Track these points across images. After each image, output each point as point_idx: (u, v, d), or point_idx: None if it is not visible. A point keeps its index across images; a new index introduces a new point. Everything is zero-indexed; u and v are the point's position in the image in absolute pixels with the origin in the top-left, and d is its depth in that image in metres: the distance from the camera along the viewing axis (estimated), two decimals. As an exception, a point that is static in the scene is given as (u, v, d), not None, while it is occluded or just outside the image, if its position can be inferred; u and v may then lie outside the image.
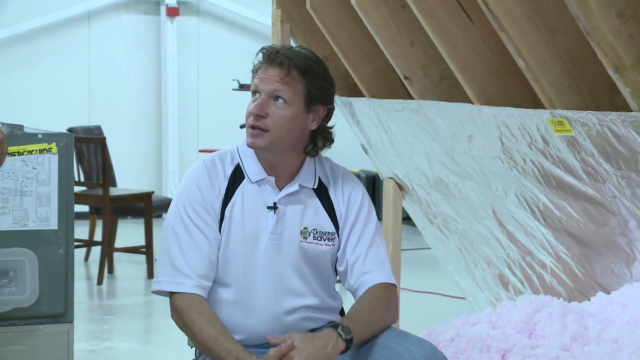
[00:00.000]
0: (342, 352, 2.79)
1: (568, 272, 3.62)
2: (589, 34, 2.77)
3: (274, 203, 2.98)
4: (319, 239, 3.01)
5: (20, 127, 3.27)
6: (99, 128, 9.15)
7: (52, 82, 11.12)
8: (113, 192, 8.01)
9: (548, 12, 3.06)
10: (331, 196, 3.05)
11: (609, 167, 3.03)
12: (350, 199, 3.06)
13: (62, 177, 3.17)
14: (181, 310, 2.90)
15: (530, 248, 3.73)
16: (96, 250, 8.44)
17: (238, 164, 3.02)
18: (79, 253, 8.67)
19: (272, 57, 2.95)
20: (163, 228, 3.02)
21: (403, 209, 4.41)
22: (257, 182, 3.00)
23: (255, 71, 2.99)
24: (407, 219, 4.41)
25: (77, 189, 8.03)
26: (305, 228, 3.00)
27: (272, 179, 2.99)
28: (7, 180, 3.12)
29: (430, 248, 4.60)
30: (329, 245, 3.02)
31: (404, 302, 4.48)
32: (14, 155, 3.10)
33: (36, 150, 3.12)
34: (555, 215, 3.45)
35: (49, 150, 3.13)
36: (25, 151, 3.12)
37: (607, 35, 2.75)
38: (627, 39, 2.77)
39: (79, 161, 8.07)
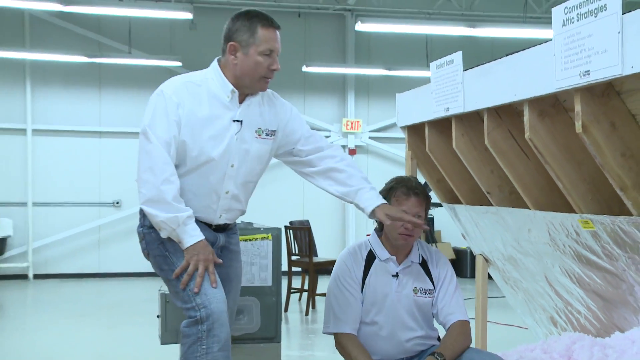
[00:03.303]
0: None
1: (595, 317, 3.37)
2: (602, 167, 2.62)
3: (397, 273, 2.93)
4: (424, 293, 2.97)
5: (251, 224, 3.29)
6: (307, 221, 9.21)
7: (283, 197, 11.33)
8: (315, 259, 8.01)
9: (576, 153, 2.91)
10: (429, 266, 3.04)
11: (620, 251, 2.82)
12: (440, 268, 3.03)
13: (275, 254, 3.19)
14: (343, 344, 2.89)
15: (570, 301, 3.50)
16: (305, 295, 8.52)
17: (370, 249, 2.98)
18: (295, 296, 8.70)
19: (413, 190, 2.97)
20: (327, 291, 3.01)
21: (489, 273, 4.24)
22: (384, 260, 2.95)
23: (403, 195, 2.95)
24: (491, 279, 4.22)
25: (294, 258, 8.08)
26: (415, 287, 2.96)
27: (394, 257, 2.96)
28: (242, 256, 3.14)
29: (505, 297, 4.37)
30: (430, 297, 2.98)
31: (490, 331, 4.27)
32: (247, 241, 3.12)
33: (259, 237, 3.14)
34: (585, 280, 3.24)
35: (266, 238, 3.14)
36: (253, 238, 3.14)
37: (615, 168, 2.59)
38: (628, 170, 2.60)
39: (295, 240, 8.12)
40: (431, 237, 9.48)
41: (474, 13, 11.55)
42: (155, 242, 2.64)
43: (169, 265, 2.60)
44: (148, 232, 2.67)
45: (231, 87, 2.69)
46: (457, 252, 11.47)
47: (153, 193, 2.53)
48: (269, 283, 3.18)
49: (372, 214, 2.82)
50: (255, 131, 2.74)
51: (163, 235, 2.57)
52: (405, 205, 2.91)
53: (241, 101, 2.73)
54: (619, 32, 2.31)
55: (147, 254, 2.70)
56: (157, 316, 3.05)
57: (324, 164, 2.92)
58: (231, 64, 2.68)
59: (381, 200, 2.85)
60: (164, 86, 2.69)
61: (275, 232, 3.19)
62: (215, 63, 2.76)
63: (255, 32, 2.64)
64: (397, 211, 2.82)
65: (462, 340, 2.88)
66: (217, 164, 2.66)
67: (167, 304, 2.99)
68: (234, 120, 2.69)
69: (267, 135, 2.77)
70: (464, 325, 2.92)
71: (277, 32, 2.70)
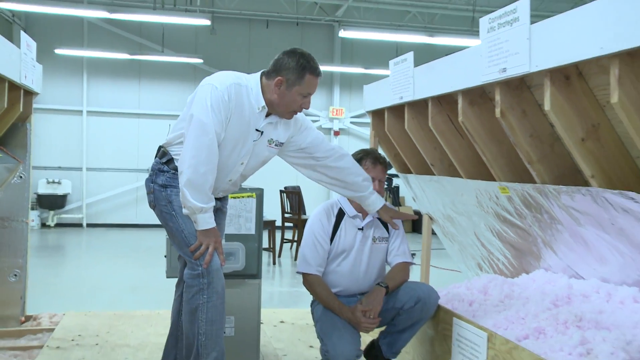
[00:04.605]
0: (385, 294, 2.72)
1: (510, 263, 3.35)
2: (515, 145, 2.57)
3: (362, 227, 2.87)
4: (381, 241, 2.90)
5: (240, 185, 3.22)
6: (299, 187, 9.16)
7: (280, 167, 11.18)
8: (303, 217, 7.94)
9: (498, 134, 2.85)
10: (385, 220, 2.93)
11: (527, 211, 2.79)
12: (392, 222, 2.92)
13: (257, 210, 3.10)
14: (309, 283, 2.83)
15: (492, 250, 3.47)
16: (295, 245, 8.47)
17: (340, 207, 2.91)
18: (287, 246, 8.65)
19: (379, 160, 2.93)
20: (302, 240, 2.90)
21: (433, 229, 4.20)
22: (352, 216, 2.88)
23: (371, 164, 2.90)
24: (434, 234, 4.18)
25: (287, 215, 8.02)
26: (374, 237, 2.88)
27: (360, 214, 2.88)
28: (232, 210, 3.07)
29: (445, 249, 4.34)
30: (385, 243, 2.91)
31: (432, 273, 4.22)
32: (235, 198, 3.06)
33: (245, 196, 3.07)
34: (503, 235, 3.20)
35: (251, 196, 3.07)
36: (240, 196, 3.07)
37: (524, 145, 2.53)
38: (534, 147, 2.55)
39: (288, 200, 8.06)
40: (396, 201, 9.43)
41: (434, 26, 11.49)
42: (164, 200, 2.50)
43: (175, 224, 2.46)
44: (158, 189, 2.51)
45: (263, 103, 2.47)
46: (417, 213, 11.43)
47: (194, 178, 2.31)
48: (253, 232, 3.11)
49: (376, 214, 2.81)
50: (268, 141, 2.57)
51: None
52: (373, 172, 2.87)
53: (267, 115, 2.53)
54: (527, 39, 2.25)
55: (154, 206, 2.57)
56: (165, 256, 3.01)
57: (333, 173, 2.76)
58: (272, 92, 2.47)
59: (379, 205, 2.77)
60: (215, 81, 2.40)
61: (258, 192, 3.12)
62: (258, 77, 2.50)
63: (304, 77, 2.43)
64: (393, 213, 2.80)
65: (402, 275, 2.84)
66: (232, 160, 2.50)
67: (171, 247, 2.95)
68: (256, 130, 2.51)
69: (275, 145, 2.61)
70: (405, 265, 2.89)
71: (319, 79, 2.50)
